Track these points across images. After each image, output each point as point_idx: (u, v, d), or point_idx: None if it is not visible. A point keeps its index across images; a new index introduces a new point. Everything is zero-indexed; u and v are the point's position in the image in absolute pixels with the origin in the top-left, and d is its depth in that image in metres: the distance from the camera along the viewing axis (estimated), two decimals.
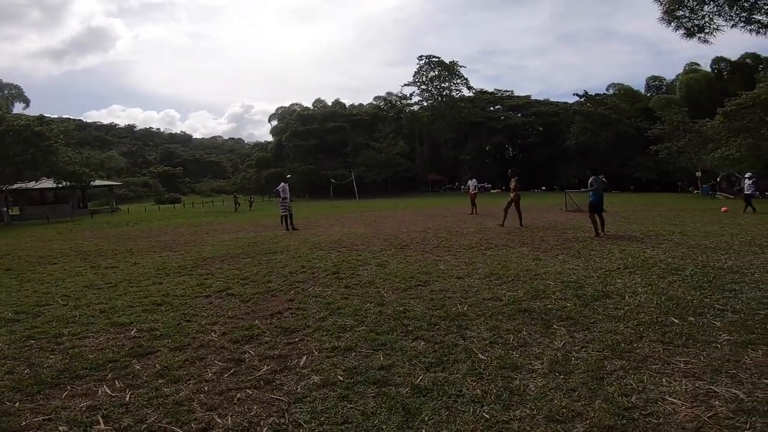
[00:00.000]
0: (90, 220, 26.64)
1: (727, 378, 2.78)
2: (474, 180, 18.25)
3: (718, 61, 42.20)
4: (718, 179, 29.78)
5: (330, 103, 61.76)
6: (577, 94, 50.09)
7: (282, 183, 13.77)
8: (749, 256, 6.72)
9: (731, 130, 25.75)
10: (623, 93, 49.26)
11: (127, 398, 2.74)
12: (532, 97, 57.99)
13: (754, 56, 40.72)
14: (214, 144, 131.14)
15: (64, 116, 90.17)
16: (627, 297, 4.70)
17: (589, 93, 48.68)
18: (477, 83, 60.84)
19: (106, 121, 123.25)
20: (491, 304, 4.58)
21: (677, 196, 31.69)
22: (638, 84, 51.62)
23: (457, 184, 50.91)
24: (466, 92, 56.08)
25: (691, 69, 43.21)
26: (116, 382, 2.97)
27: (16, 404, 2.66)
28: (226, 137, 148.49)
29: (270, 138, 68.02)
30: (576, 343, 3.51)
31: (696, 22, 8.41)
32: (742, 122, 25.21)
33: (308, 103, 63.09)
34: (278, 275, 6.23)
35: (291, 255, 7.98)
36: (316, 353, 3.42)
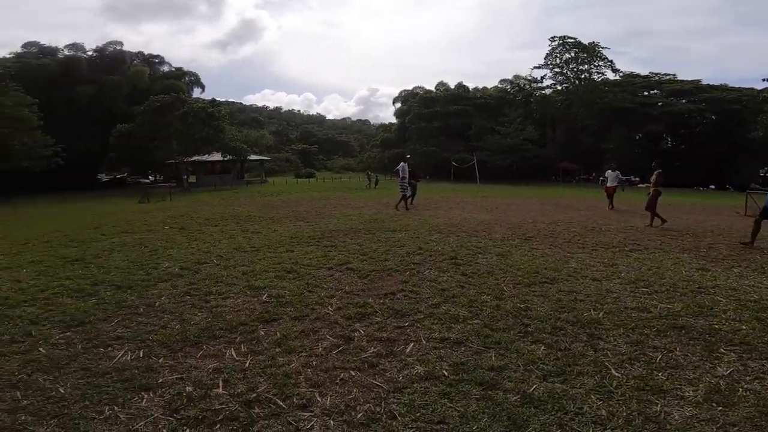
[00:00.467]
0: (245, 189, 31.10)
1: None
2: (616, 172, 15.11)
3: None
4: None
5: (453, 87, 60.29)
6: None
7: (402, 163, 13.72)
8: None
9: None
10: None
11: (247, 364, 2.98)
12: (702, 82, 47.62)
13: None
14: (343, 125, 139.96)
15: (229, 99, 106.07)
16: None
17: None
18: (624, 67, 52.55)
19: (259, 103, 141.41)
20: (635, 314, 3.87)
21: None
22: None
23: (594, 174, 45.35)
24: (610, 75, 49.15)
25: None
26: (242, 346, 3.27)
27: (160, 360, 3.06)
28: (354, 119, 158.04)
29: (394, 120, 69.86)
30: (748, 372, 2.81)
31: None
32: None
33: (431, 87, 62.57)
34: (395, 254, 6.29)
35: (409, 235, 8.01)
36: (424, 342, 3.31)
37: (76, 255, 6.66)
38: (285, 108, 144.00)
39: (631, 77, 49.94)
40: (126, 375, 2.80)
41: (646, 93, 48.36)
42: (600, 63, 48.39)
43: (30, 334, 3.50)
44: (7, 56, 36.13)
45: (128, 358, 3.08)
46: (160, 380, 2.75)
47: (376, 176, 35.41)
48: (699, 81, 47.72)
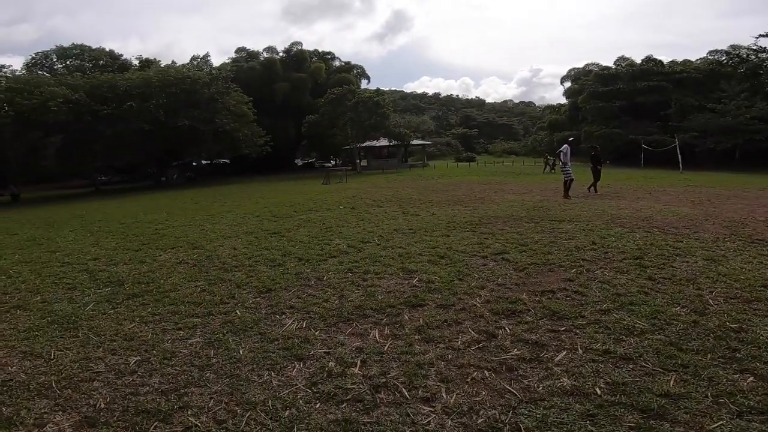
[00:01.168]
0: (408, 172, 32.66)
1: None
2: None
3: None
4: None
5: (639, 61, 50.09)
6: None
7: (564, 145, 12.39)
8: None
9: None
10: None
11: (386, 347, 3.04)
12: None
13: None
14: (504, 108, 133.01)
15: (392, 88, 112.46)
16: None
17: None
18: None
19: (419, 90, 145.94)
20: None
21: None
22: None
23: None
24: None
25: None
26: (386, 329, 3.36)
27: (317, 332, 3.36)
28: (516, 101, 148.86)
29: (563, 100, 62.64)
30: None
31: None
32: None
33: (608, 62, 53.52)
34: (561, 248, 5.58)
35: (581, 227, 7.02)
36: (580, 352, 2.82)
37: (275, 228, 8.06)
38: (443, 93, 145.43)
39: None
40: (289, 343, 3.19)
41: None
42: None
43: (233, 296, 4.34)
44: (226, 61, 45.54)
45: (294, 327, 3.52)
46: (312, 352, 3.05)
47: (554, 160, 32.42)
48: None
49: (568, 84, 60.15)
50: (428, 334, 3.21)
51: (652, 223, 7.36)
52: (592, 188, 13.11)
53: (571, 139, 13.87)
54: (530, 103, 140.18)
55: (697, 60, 49.16)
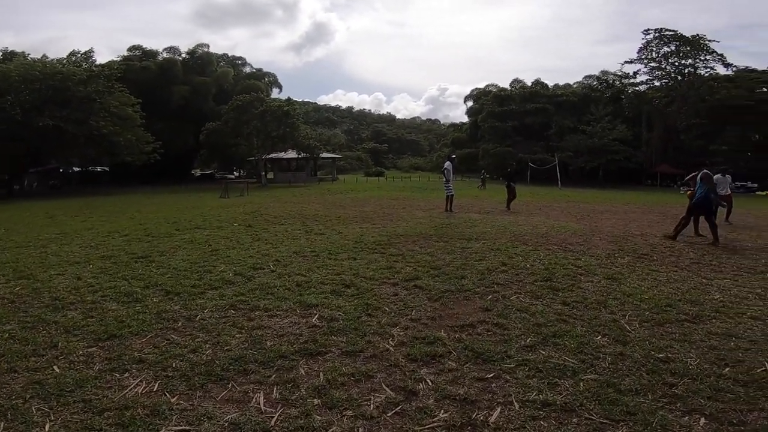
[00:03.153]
0: (317, 186, 31.68)
1: None
2: (727, 177, 11.91)
3: None
4: None
5: (530, 84, 56.70)
6: None
7: (447, 162, 12.90)
8: None
9: None
10: None
11: (273, 421, 2.24)
12: None
13: None
14: (413, 124, 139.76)
15: (305, 99, 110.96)
16: None
17: None
18: (736, 61, 44.93)
19: (333, 103, 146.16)
20: None
21: None
22: None
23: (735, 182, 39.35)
24: (721, 70, 42.76)
25: None
26: (274, 390, 2.55)
27: (174, 398, 2.45)
28: (424, 118, 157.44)
29: (465, 119, 67.76)
30: None
31: None
32: None
33: (504, 84, 59.59)
34: (473, 270, 5.28)
35: (488, 245, 6.91)
36: (517, 407, 2.34)
37: (144, 251, 6.59)
38: (356, 108, 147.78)
39: (747, 72, 42.75)
40: (125, 418, 2.21)
41: (765, 89, 41.06)
42: (707, 57, 42.63)
43: (55, 345, 3.13)
44: (116, 59, 40.37)
45: (140, 390, 2.52)
46: (162, 431, 2.13)
47: (487, 176, 33.98)
48: None
49: (470, 103, 64.70)
50: (331, 396, 2.47)
51: (550, 239, 7.59)
52: (508, 205, 13.61)
53: (453, 156, 14.42)
54: (436, 121, 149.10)
55: (575, 84, 56.55)
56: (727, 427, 2.10)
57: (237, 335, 3.35)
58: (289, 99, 41.76)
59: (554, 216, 11.93)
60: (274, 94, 51.07)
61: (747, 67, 43.62)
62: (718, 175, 12.24)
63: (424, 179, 47.06)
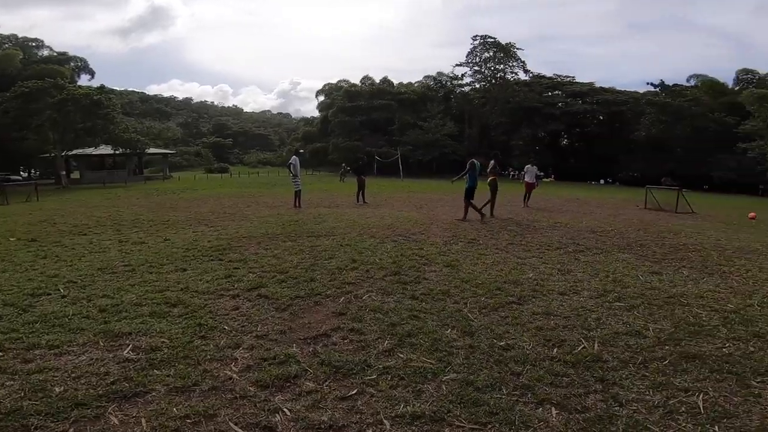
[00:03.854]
0: (142, 186, 27.09)
1: None
2: (534, 167, 14.84)
3: None
4: None
5: (378, 81, 60.19)
6: (652, 84, 44.80)
7: (294, 157, 12.57)
8: None
9: None
10: (706, 85, 43.18)
11: None
12: (596, 85, 52.93)
13: None
14: (263, 118, 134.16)
15: (130, 89, 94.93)
16: None
17: (666, 83, 43.28)
18: (532, 68, 56.31)
19: (166, 94, 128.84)
20: (633, 342, 3.15)
21: (763, 200, 27.75)
22: (724, 77, 44.86)
23: (513, 172, 48.02)
24: (522, 76, 52.47)
25: None
26: None
27: None
28: (274, 112, 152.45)
29: (317, 113, 67.90)
30: None
31: None
32: None
33: (356, 80, 61.92)
34: (323, 270, 5.01)
35: (338, 241, 6.76)
36: (388, 425, 2.16)
37: None
38: (197, 99, 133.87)
39: (538, 78, 53.54)
40: None
41: (549, 93, 52.27)
42: (514, 63, 51.21)
43: None
44: None
45: None
46: None
47: (349, 169, 33.36)
48: (593, 83, 52.71)
49: (321, 98, 64.57)
50: None
51: (396, 230, 7.90)
52: (361, 199, 13.68)
53: (301, 150, 14.24)
54: (287, 115, 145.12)
55: (416, 83, 61.65)
56: (575, 416, 2.24)
57: (6, 384, 2.37)
58: (102, 87, 34.72)
59: (398, 207, 12.64)
60: (83, 81, 42.33)
61: (539, 73, 54.48)
62: (528, 166, 15.03)
63: (273, 174, 45.08)
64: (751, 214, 13.62)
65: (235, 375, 2.63)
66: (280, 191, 19.11)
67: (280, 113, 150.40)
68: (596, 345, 3.09)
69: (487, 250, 6.32)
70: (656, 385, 2.53)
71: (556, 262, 5.70)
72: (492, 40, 50.52)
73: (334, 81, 63.99)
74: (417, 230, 7.98)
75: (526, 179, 14.50)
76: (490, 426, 2.15)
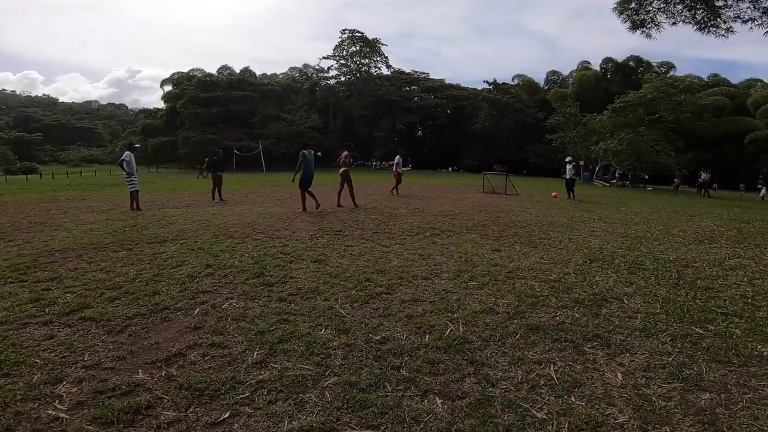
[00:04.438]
0: None
1: None
2: (400, 158, 15.83)
3: (606, 61, 46.10)
4: (597, 168, 33.08)
5: (238, 71, 56.01)
6: (487, 82, 51.79)
7: (126, 152, 10.70)
8: (683, 248, 6.67)
9: (616, 125, 28.60)
10: (525, 84, 52.03)
11: None
12: (446, 81, 58.74)
13: (637, 59, 45.24)
14: (86, 109, 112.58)
15: None
16: (625, 301, 4.00)
17: (497, 81, 50.33)
18: (396, 64, 59.70)
19: None
20: (490, 319, 3.48)
21: (563, 181, 34.82)
22: (539, 77, 54.76)
23: (378, 162, 50.04)
24: (385, 71, 55.11)
25: (584, 67, 46.91)
26: None
27: None
28: (103, 102, 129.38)
29: (161, 105, 59.72)
30: (634, 373, 2.68)
31: (642, 16, 8.38)
32: (626, 118, 28.14)
33: (212, 70, 56.62)
34: (170, 280, 4.33)
35: (188, 245, 5.95)
36: None
37: None
38: None
39: (398, 73, 56.98)
40: None
41: (407, 88, 56.30)
42: (378, 58, 53.20)
43: None
44: None
45: None
46: None
47: (205, 163, 29.01)
48: (443, 80, 58.49)
49: (168, 88, 56.84)
50: None
51: (257, 228, 7.40)
52: (218, 196, 12.47)
53: (137, 145, 12.39)
54: (122, 106, 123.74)
55: (281, 74, 58.84)
56: (458, 403, 2.31)
57: None
58: None
59: (260, 203, 11.92)
60: None
61: (400, 69, 57.94)
62: (397, 157, 15.85)
63: (103, 174, 38.08)
64: (553, 194, 16.75)
65: (64, 414, 2.07)
66: (113, 192, 16.14)
67: (112, 104, 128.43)
68: (461, 327, 3.32)
69: (353, 241, 6.37)
70: (516, 360, 2.81)
71: (418, 247, 6.07)
72: (360, 34, 51.72)
73: (185, 69, 57.31)
74: (281, 226, 7.61)
75: (398, 170, 15.38)
76: (383, 427, 2.09)
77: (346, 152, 11.03)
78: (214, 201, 12.18)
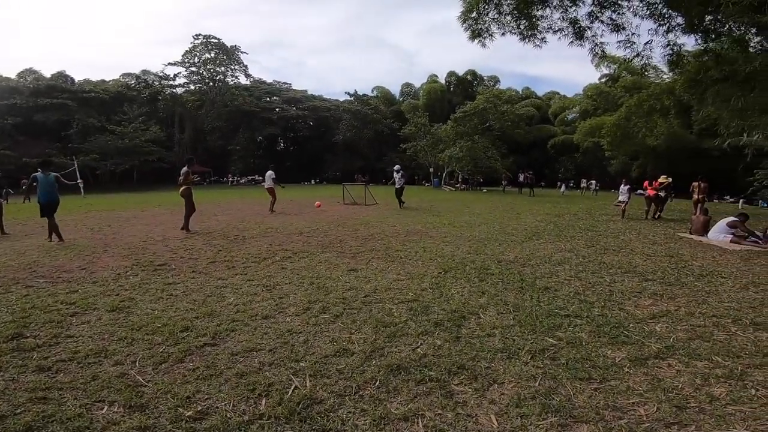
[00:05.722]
0: None
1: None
2: (270, 172, 14.11)
3: (450, 74, 51.60)
4: (444, 174, 36.59)
5: (49, 76, 45.47)
6: (348, 93, 52.84)
7: None
8: (518, 246, 7.26)
9: (457, 133, 31.96)
10: (383, 96, 54.65)
11: None
12: (309, 92, 57.99)
13: (473, 73, 51.61)
14: None
15: None
16: (481, 315, 3.84)
17: (358, 93, 51.61)
18: (257, 73, 56.20)
19: None
20: (344, 364, 2.89)
21: (417, 187, 37.54)
22: (396, 89, 58.37)
23: (245, 177, 46.07)
24: (243, 80, 51.58)
25: (432, 80, 51.40)
26: None
27: None
28: None
29: None
30: (508, 412, 2.37)
31: (480, 26, 9.10)
32: (464, 127, 31.67)
33: (9, 74, 44.90)
34: None
35: None
36: None
37: None
38: None
39: (258, 83, 53.94)
40: None
41: (268, 99, 53.58)
42: (236, 67, 49.34)
43: None
44: None
45: None
46: None
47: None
48: (306, 91, 57.57)
49: None
50: None
51: (37, 270, 5.43)
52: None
53: None
54: None
55: (110, 81, 49.28)
56: None
57: None
58: None
59: (62, 233, 9.23)
60: None
61: (260, 78, 54.86)
62: (270, 172, 14.10)
63: None
64: (317, 203, 15.32)
65: None
66: None
67: None
68: (308, 381, 2.61)
69: (179, 276, 5.09)
70: (378, 420, 2.25)
71: (263, 276, 5.14)
72: (216, 40, 47.41)
73: None
74: (76, 264, 5.76)
75: (266, 185, 13.80)
76: None
77: (185, 168, 9.29)
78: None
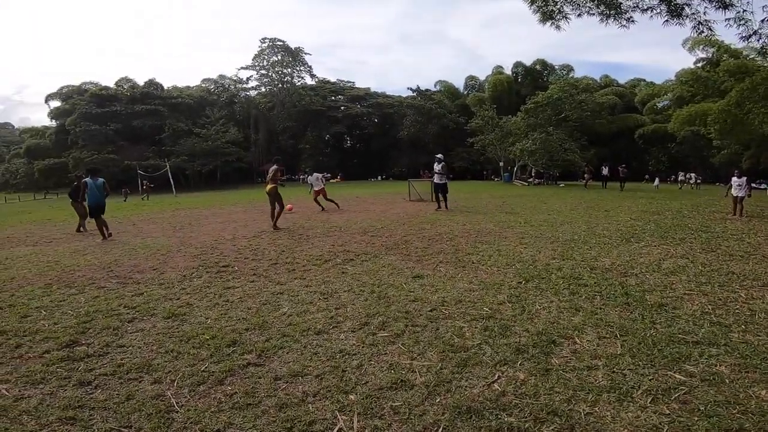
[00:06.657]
0: None
1: None
2: (315, 174, 14.43)
3: (516, 65, 49.04)
4: (516, 168, 34.41)
5: (142, 84, 50.89)
6: (411, 89, 52.23)
7: None
8: (614, 250, 6.19)
9: (528, 125, 29.84)
10: (446, 90, 53.25)
11: None
12: (371, 90, 58.29)
13: (542, 62, 48.56)
14: None
15: None
16: (577, 340, 3.09)
17: (421, 88, 50.76)
18: (321, 74, 58.04)
19: None
20: (400, 400, 2.38)
21: (486, 183, 35.81)
22: (459, 83, 56.62)
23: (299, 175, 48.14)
24: (308, 80, 53.24)
25: (497, 72, 49.22)
26: None
27: None
28: None
29: (49, 123, 52.49)
30: None
31: (551, 7, 8.05)
32: (536, 119, 29.48)
33: (108, 82, 50.93)
34: None
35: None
36: None
37: None
38: None
39: (323, 83, 55.44)
40: None
41: (333, 98, 54.94)
42: (301, 68, 51.21)
43: None
44: None
45: None
46: None
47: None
48: (369, 88, 57.88)
49: (57, 103, 49.87)
50: None
51: (114, 270, 5.60)
52: (83, 228, 10.24)
53: None
54: (7, 125, 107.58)
55: (193, 87, 54.25)
56: None
57: None
58: None
59: (148, 231, 9.88)
60: None
61: (325, 78, 56.37)
62: (316, 173, 14.40)
63: None
64: (288, 206, 12.20)
65: None
66: None
67: None
68: (356, 420, 2.15)
69: (239, 280, 4.93)
70: None
71: (321, 281, 4.81)
72: (281, 42, 49.62)
73: (76, 83, 50.69)
74: (150, 265, 5.91)
75: (315, 188, 13.96)
76: None
77: (274, 167, 9.44)
78: (82, 233, 9.99)
